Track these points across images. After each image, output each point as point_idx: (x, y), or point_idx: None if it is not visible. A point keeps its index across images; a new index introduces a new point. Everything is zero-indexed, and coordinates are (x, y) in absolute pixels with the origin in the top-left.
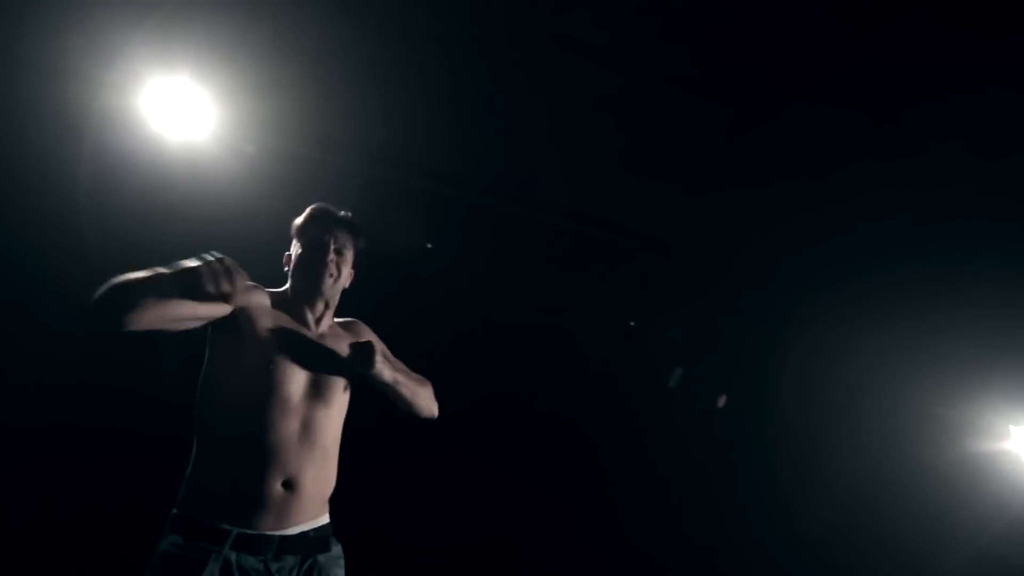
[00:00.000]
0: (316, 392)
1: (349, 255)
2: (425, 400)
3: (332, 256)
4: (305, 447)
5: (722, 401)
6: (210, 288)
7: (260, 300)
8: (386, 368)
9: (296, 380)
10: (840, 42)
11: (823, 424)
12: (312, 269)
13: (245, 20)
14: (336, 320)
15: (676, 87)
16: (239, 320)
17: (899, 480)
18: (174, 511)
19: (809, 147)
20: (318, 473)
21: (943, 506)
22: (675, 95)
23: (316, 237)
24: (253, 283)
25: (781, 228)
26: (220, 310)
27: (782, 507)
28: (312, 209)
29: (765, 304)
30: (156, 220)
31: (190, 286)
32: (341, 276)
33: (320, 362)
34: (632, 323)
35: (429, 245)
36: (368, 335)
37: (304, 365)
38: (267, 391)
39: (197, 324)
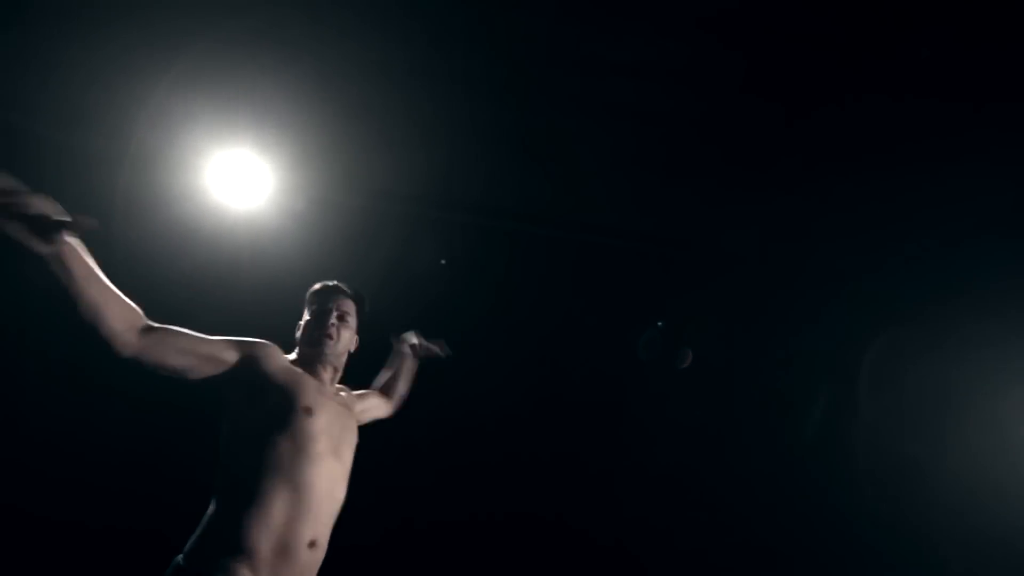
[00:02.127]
0: (338, 447)
1: (352, 321)
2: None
3: (334, 321)
4: (327, 503)
5: (688, 360)
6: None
7: (276, 354)
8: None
9: (329, 430)
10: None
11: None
12: (314, 333)
13: (299, 87)
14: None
15: (723, 90)
16: (256, 369)
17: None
18: (193, 567)
19: (875, 142)
20: (327, 533)
21: None
22: (723, 97)
23: (321, 304)
24: (266, 341)
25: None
26: (225, 353)
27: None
28: (321, 283)
29: (846, 308)
30: (213, 287)
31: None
32: (341, 340)
33: (340, 417)
34: (659, 323)
35: (443, 261)
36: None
37: (330, 417)
38: (306, 437)
39: (201, 366)
